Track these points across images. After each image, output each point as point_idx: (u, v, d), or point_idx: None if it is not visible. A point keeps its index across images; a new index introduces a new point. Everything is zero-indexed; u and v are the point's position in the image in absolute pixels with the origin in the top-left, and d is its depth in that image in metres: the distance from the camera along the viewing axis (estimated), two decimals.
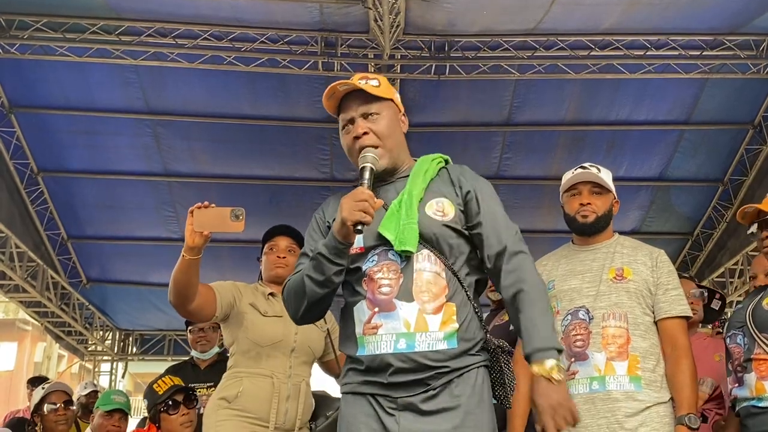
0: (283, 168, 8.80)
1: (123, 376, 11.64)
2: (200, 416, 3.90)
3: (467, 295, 2.30)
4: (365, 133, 2.34)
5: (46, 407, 4.28)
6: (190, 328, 4.81)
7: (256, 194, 8.88)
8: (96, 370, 11.69)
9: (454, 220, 2.32)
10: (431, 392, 2.21)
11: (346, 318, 2.36)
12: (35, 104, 8.19)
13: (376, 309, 2.25)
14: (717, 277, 9.47)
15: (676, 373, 2.80)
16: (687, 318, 2.93)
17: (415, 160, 2.47)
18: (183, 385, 3.86)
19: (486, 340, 2.32)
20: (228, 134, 8.44)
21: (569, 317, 2.91)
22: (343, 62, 7.54)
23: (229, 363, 3.36)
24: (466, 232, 2.35)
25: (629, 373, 2.78)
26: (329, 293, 2.32)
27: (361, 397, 2.28)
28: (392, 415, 2.21)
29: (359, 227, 2.16)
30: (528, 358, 2.20)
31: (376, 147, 2.33)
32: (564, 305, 2.94)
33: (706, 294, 4.09)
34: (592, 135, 8.54)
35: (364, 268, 2.29)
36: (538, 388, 2.22)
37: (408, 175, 2.38)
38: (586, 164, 3.10)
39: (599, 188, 3.03)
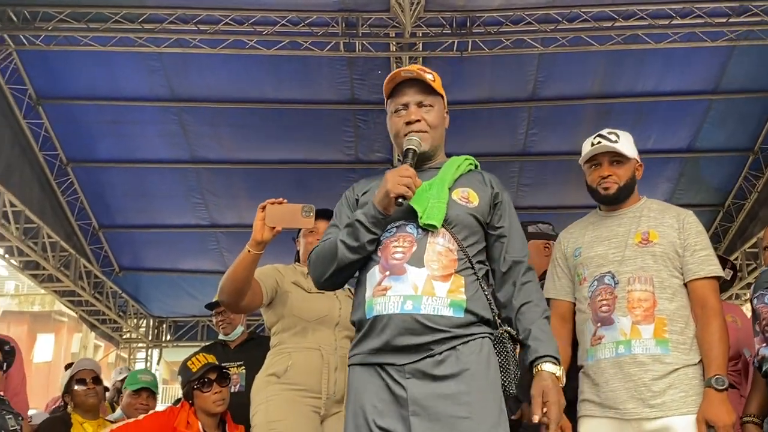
0: (309, 151, 8.82)
1: (158, 363, 11.80)
2: (232, 395, 3.96)
3: (477, 276, 2.40)
4: (418, 120, 2.49)
5: (75, 385, 4.36)
6: (212, 312, 4.86)
7: (282, 178, 8.92)
8: (131, 357, 11.87)
9: (477, 209, 2.48)
10: (436, 357, 2.27)
11: (358, 287, 2.48)
12: (62, 95, 8.30)
13: (387, 273, 2.35)
14: (749, 248, 9.36)
15: (705, 334, 2.77)
16: (718, 278, 2.89)
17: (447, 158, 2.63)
18: (216, 363, 3.89)
19: (494, 321, 2.40)
20: (253, 119, 8.47)
21: (595, 283, 2.90)
22: (364, 42, 7.52)
23: (273, 342, 3.39)
24: (485, 227, 2.49)
25: (656, 336, 2.76)
26: (357, 260, 2.43)
27: (369, 368, 2.35)
28: (400, 383, 2.28)
29: (400, 200, 2.31)
30: (539, 359, 2.32)
31: (423, 132, 2.49)
32: (590, 272, 2.94)
33: None
34: (618, 107, 8.45)
35: (381, 238, 2.42)
36: (542, 384, 2.29)
37: (439, 167, 2.55)
38: (604, 132, 3.06)
39: (619, 157, 3.01)
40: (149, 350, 11.76)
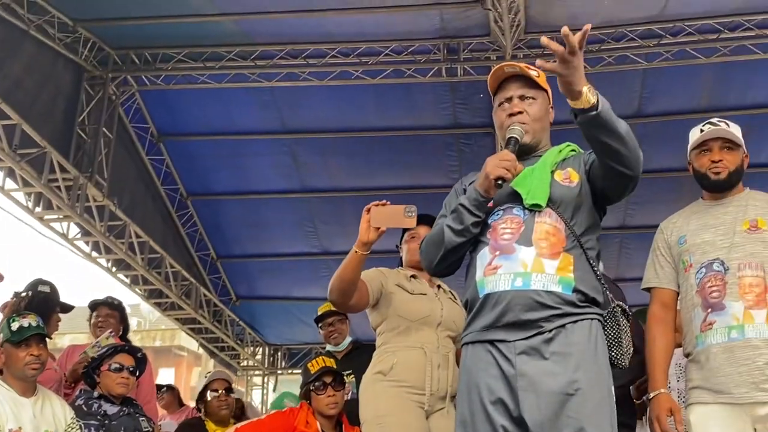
0: (414, 177, 8.97)
1: (273, 390, 12.10)
2: (345, 402, 4.09)
3: (586, 255, 2.46)
4: (520, 112, 2.59)
5: (208, 394, 4.61)
6: (319, 325, 5.04)
7: None
8: (248, 386, 12.21)
9: (579, 185, 2.53)
10: (545, 335, 2.34)
11: (469, 270, 2.57)
12: (181, 132, 8.81)
13: (497, 252, 2.45)
14: None
15: None
16: None
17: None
18: (333, 367, 4.04)
19: (605, 301, 2.46)
20: (359, 147, 8.73)
21: (703, 270, 2.90)
22: (466, 66, 7.66)
23: (378, 342, 3.52)
24: (590, 177, 2.53)
25: None
26: (464, 243, 2.54)
27: (480, 346, 2.44)
28: (509, 359, 2.35)
29: (500, 182, 2.42)
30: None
31: (524, 124, 2.57)
32: (697, 258, 2.94)
33: None
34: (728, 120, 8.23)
35: (489, 221, 2.53)
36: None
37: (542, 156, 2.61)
38: (714, 119, 3.10)
39: (730, 143, 3.04)
40: (265, 377, 12.08)
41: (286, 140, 8.75)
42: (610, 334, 2.44)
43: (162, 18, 7.34)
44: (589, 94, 2.25)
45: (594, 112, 2.26)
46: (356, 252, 3.04)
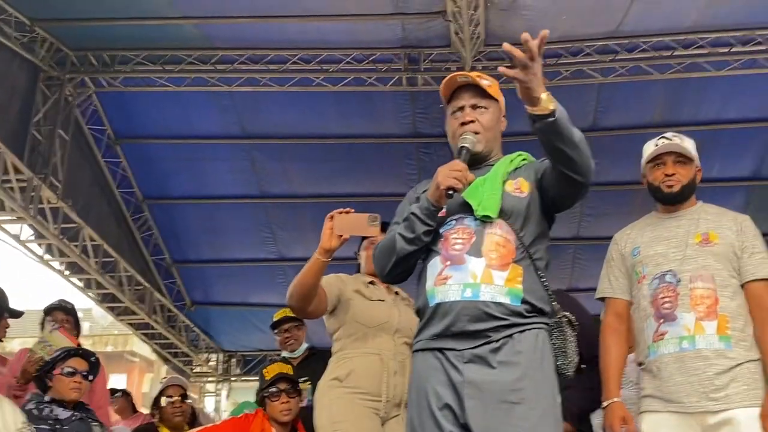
0: (373, 184, 8.98)
1: (227, 398, 12.00)
2: (301, 409, 4.09)
3: (535, 266, 2.50)
4: (471, 121, 2.61)
5: (163, 400, 4.56)
6: (275, 331, 5.02)
7: None
8: (201, 392, 12.07)
9: (529, 195, 2.56)
10: (493, 344, 2.38)
11: (420, 278, 2.60)
12: (139, 135, 8.71)
13: (448, 263, 2.48)
14: None
15: (763, 335, 2.84)
16: None
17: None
18: (289, 374, 4.04)
19: (552, 311, 2.51)
20: (319, 154, 8.72)
21: (656, 281, 2.97)
22: (426, 77, 7.74)
23: (335, 348, 3.53)
24: (541, 187, 2.55)
25: (719, 333, 2.82)
26: (416, 251, 2.56)
27: (429, 353, 2.47)
28: (457, 367, 2.39)
29: (450, 192, 2.43)
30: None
31: (476, 134, 2.59)
32: (650, 270, 3.01)
33: None
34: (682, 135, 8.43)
35: (441, 231, 2.55)
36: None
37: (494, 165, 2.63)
38: (668, 134, 3.18)
39: (683, 158, 3.11)
40: (219, 384, 11.96)
41: (245, 145, 8.72)
42: (556, 343, 2.49)
43: (121, 20, 7.28)
44: (547, 101, 2.29)
45: (551, 119, 2.30)
46: (318, 258, 3.05)
